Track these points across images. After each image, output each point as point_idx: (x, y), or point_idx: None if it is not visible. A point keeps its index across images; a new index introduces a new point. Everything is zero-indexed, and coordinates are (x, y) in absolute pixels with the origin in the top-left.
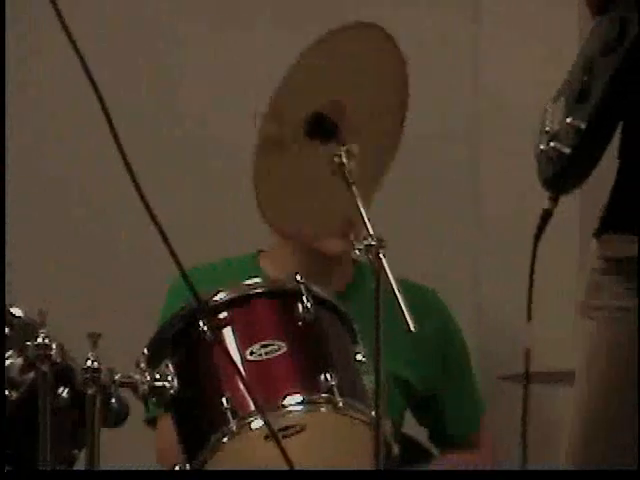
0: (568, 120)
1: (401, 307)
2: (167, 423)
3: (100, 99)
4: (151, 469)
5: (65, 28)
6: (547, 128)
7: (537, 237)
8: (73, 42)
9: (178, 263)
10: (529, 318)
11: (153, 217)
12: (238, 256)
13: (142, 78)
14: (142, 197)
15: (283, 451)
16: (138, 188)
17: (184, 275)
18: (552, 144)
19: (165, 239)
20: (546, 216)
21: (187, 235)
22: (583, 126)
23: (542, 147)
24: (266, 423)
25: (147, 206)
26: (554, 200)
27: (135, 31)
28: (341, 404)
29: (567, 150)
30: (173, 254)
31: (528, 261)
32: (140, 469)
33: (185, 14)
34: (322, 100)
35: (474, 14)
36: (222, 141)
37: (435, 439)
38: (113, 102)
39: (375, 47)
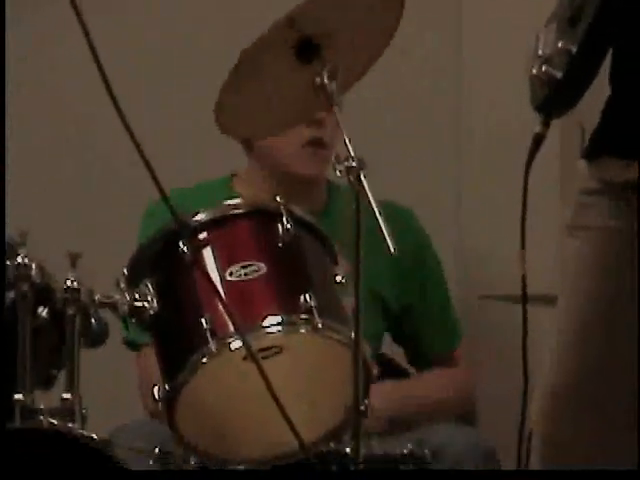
0: (560, 44)
1: (382, 229)
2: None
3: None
4: (130, 391)
5: None
6: (540, 52)
7: (529, 161)
8: None
9: (158, 185)
10: (523, 246)
11: (134, 140)
12: (211, 180)
13: None
14: (124, 121)
15: (262, 372)
16: (120, 112)
17: (164, 197)
18: (544, 68)
19: (147, 163)
20: (538, 140)
21: (164, 157)
22: (574, 50)
23: (534, 71)
24: (244, 344)
25: (128, 128)
26: (546, 124)
27: None
28: (320, 325)
29: (559, 74)
30: (154, 177)
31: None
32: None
33: None
34: (311, 26)
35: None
36: (203, 65)
37: (410, 358)
38: None
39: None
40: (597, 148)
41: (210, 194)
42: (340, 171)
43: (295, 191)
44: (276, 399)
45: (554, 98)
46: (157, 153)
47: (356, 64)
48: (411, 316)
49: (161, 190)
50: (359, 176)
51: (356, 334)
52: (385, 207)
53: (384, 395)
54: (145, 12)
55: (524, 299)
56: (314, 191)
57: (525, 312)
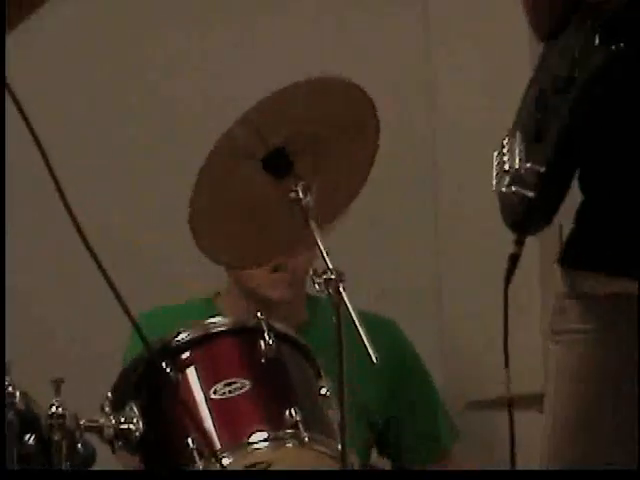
0: (528, 165)
1: (363, 340)
2: None
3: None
4: None
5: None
6: (506, 167)
7: (507, 281)
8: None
9: (128, 313)
10: (506, 365)
11: (103, 271)
12: (194, 299)
13: None
14: (91, 252)
15: None
16: (86, 243)
17: (137, 327)
18: (514, 188)
19: (116, 292)
20: (514, 260)
21: (143, 278)
22: (543, 170)
23: (504, 190)
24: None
25: (96, 259)
26: (520, 244)
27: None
28: (307, 439)
29: (530, 194)
30: (123, 305)
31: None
32: None
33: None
34: (284, 136)
35: (425, 38)
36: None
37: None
38: None
39: (353, 106)
40: (570, 259)
41: (194, 313)
42: (319, 284)
43: (274, 309)
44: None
45: (528, 219)
46: (134, 273)
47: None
48: (396, 428)
49: (132, 320)
50: (338, 288)
51: (342, 447)
52: (367, 318)
53: None
54: None
55: (510, 416)
56: (293, 308)
57: (513, 436)
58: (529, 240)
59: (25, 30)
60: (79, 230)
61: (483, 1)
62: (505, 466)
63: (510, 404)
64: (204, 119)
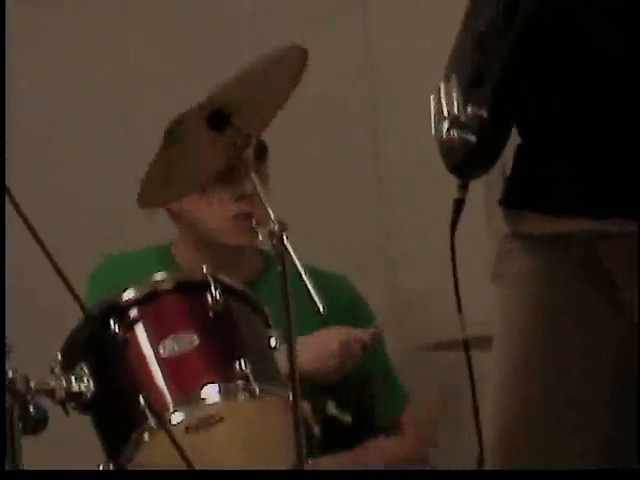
0: (469, 109)
1: (309, 289)
2: None
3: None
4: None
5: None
6: (445, 112)
7: (453, 227)
8: None
9: (67, 283)
10: (459, 310)
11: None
12: (151, 246)
13: None
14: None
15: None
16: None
17: (75, 295)
18: (455, 133)
19: (50, 258)
20: (458, 205)
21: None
22: (485, 114)
23: (445, 135)
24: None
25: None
26: (464, 187)
27: None
28: (257, 390)
29: (472, 138)
30: (59, 272)
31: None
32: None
33: None
34: (222, 98)
35: None
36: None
37: (356, 426)
38: None
39: (287, 63)
40: (512, 200)
41: (148, 261)
42: (262, 235)
43: (228, 260)
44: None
45: (471, 162)
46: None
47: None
48: (350, 384)
49: (70, 288)
50: (282, 238)
51: (294, 397)
52: (318, 274)
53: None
54: None
55: (469, 364)
56: (246, 258)
57: (472, 375)
58: (474, 183)
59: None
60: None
61: None
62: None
63: (467, 347)
64: None
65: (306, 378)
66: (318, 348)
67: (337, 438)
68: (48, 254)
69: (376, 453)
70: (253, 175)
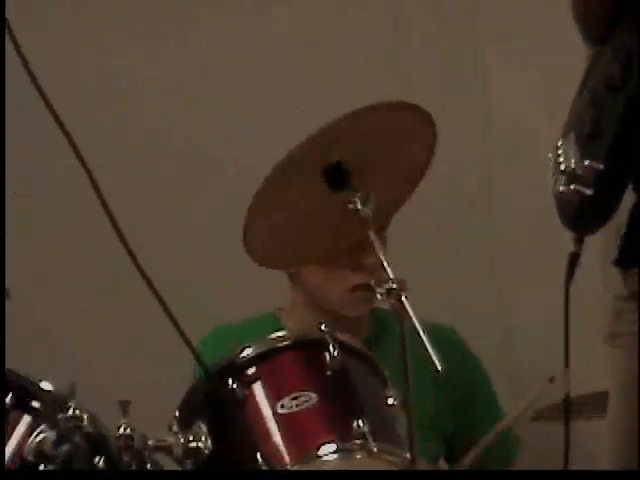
0: (586, 162)
1: (427, 348)
2: None
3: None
4: None
5: None
6: (562, 167)
7: (568, 281)
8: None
9: (183, 336)
10: (566, 365)
11: (157, 294)
12: (257, 315)
13: None
14: (142, 273)
15: None
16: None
17: (191, 348)
18: (572, 186)
19: (171, 316)
20: (574, 259)
21: (203, 298)
22: (602, 167)
23: (562, 188)
24: None
25: (148, 281)
26: (579, 242)
27: None
28: (375, 449)
29: (589, 192)
30: (178, 328)
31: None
32: None
33: None
34: (342, 152)
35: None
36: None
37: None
38: None
39: (410, 125)
40: (626, 258)
41: (257, 328)
42: (381, 294)
43: (339, 325)
44: None
45: (587, 216)
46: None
47: (390, 196)
48: (463, 436)
49: (187, 342)
50: (400, 298)
51: (411, 456)
52: (427, 326)
53: None
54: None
55: (567, 417)
56: (358, 323)
57: (568, 431)
58: (592, 242)
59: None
60: (134, 259)
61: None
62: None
63: (567, 407)
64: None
65: None
66: None
67: None
68: (172, 317)
69: None
70: (373, 238)
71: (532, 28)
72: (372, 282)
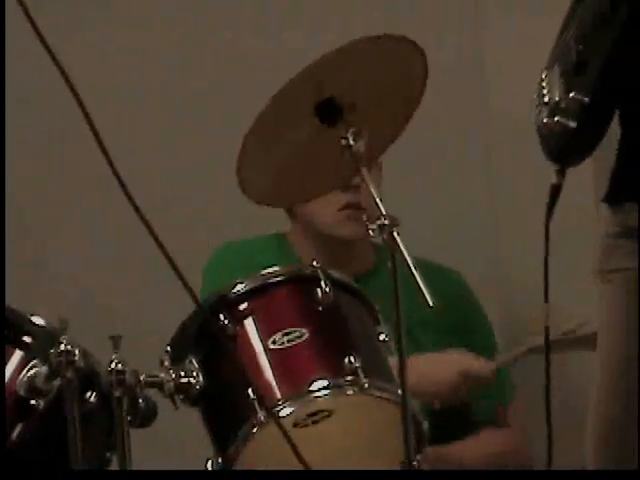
0: (571, 95)
1: (419, 284)
2: None
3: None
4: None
5: None
6: (546, 99)
7: (548, 213)
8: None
9: (177, 272)
10: (546, 299)
11: (151, 231)
12: (265, 235)
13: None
14: (135, 207)
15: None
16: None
17: (188, 288)
18: (556, 118)
19: (168, 257)
20: (555, 191)
21: (204, 219)
22: (587, 100)
23: (545, 120)
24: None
25: (142, 217)
26: (562, 174)
27: None
28: (366, 385)
29: (573, 124)
30: (173, 264)
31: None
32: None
33: None
34: (334, 87)
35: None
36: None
37: (462, 419)
38: None
39: (400, 58)
40: (616, 193)
41: (265, 249)
42: (373, 230)
43: (340, 253)
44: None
45: (570, 148)
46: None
47: (382, 131)
48: None
49: (184, 282)
50: (392, 233)
51: (402, 391)
52: (431, 268)
53: None
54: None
55: (547, 350)
56: (359, 252)
57: (548, 362)
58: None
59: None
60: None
61: None
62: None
63: (547, 340)
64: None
65: (416, 397)
66: (438, 374)
67: (444, 433)
68: (162, 246)
69: (474, 448)
70: (363, 169)
71: None
72: (361, 203)
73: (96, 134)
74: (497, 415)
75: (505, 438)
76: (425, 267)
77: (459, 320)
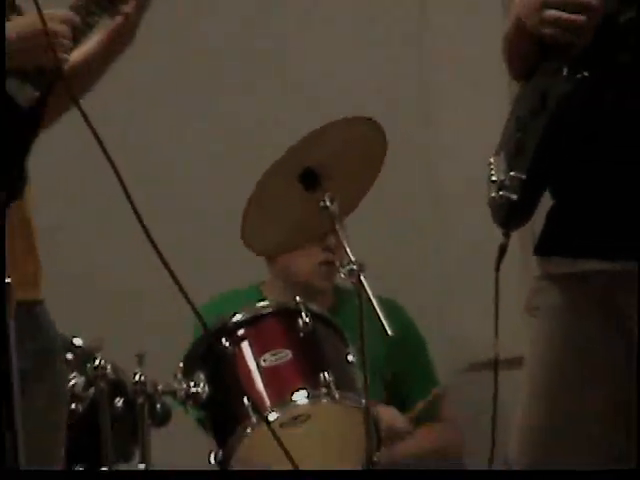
0: (512, 173)
1: (380, 319)
2: None
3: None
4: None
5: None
6: (494, 178)
7: (497, 266)
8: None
9: (191, 305)
10: (496, 334)
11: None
12: (244, 288)
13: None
14: (154, 244)
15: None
16: (152, 244)
17: (198, 315)
18: (501, 193)
19: (182, 290)
20: (502, 250)
21: (200, 270)
22: (524, 177)
23: (493, 195)
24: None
25: (159, 253)
26: (507, 236)
27: None
28: (337, 396)
29: (514, 197)
30: (188, 300)
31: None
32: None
33: None
34: (313, 161)
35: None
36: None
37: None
38: None
39: (365, 136)
40: (543, 248)
41: (246, 298)
42: (344, 274)
43: (310, 296)
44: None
45: (513, 216)
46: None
47: (352, 193)
48: (401, 379)
49: (194, 309)
50: (359, 276)
51: (366, 401)
52: (383, 302)
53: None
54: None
55: (496, 376)
56: (325, 295)
57: (496, 389)
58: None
59: None
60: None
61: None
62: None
63: (496, 368)
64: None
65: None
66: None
67: None
68: (176, 281)
69: (415, 444)
70: (339, 229)
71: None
72: (336, 260)
73: (117, 174)
74: (433, 397)
75: (442, 433)
76: (382, 303)
77: (403, 340)
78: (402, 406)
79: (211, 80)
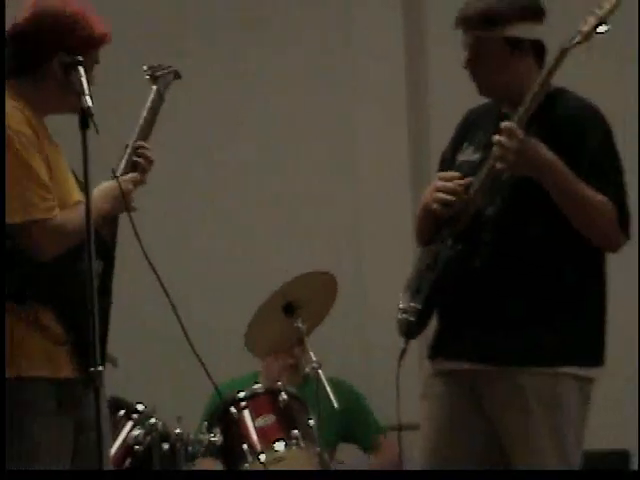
0: (412, 304)
1: (330, 396)
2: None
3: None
4: None
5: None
6: (401, 306)
7: (399, 364)
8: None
9: (214, 384)
10: (398, 409)
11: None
12: (246, 375)
13: None
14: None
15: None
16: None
17: (217, 390)
18: (404, 316)
19: (207, 371)
20: (402, 353)
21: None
22: (420, 307)
23: (399, 316)
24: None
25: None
26: (406, 343)
27: None
28: (303, 445)
29: (412, 319)
30: (212, 382)
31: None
32: None
33: None
34: (293, 297)
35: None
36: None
37: (361, 446)
38: None
39: (325, 283)
40: (433, 353)
41: (248, 381)
42: (308, 370)
43: (288, 379)
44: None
45: (411, 330)
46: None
47: (315, 319)
48: (353, 428)
49: (216, 387)
50: (317, 370)
51: (320, 450)
52: (334, 380)
53: None
54: None
55: (399, 440)
56: (296, 379)
57: (400, 443)
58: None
59: None
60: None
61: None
62: None
63: (400, 428)
64: None
65: None
66: None
67: None
68: (201, 362)
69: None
70: (306, 343)
71: None
72: (299, 363)
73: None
74: (377, 441)
75: (380, 463)
76: (332, 382)
77: (350, 405)
78: (358, 444)
79: None
